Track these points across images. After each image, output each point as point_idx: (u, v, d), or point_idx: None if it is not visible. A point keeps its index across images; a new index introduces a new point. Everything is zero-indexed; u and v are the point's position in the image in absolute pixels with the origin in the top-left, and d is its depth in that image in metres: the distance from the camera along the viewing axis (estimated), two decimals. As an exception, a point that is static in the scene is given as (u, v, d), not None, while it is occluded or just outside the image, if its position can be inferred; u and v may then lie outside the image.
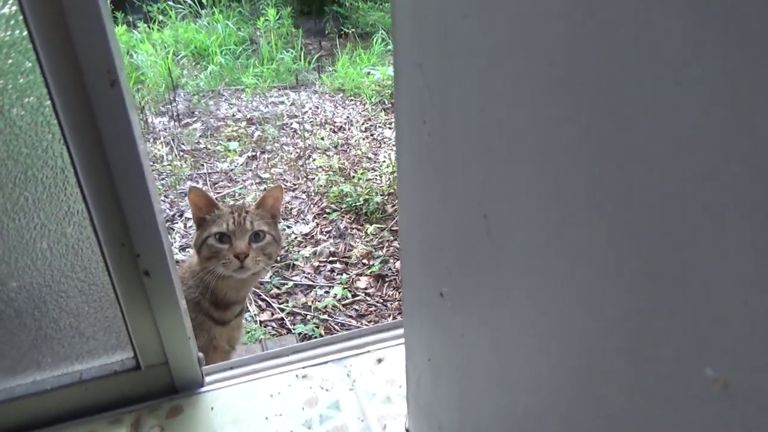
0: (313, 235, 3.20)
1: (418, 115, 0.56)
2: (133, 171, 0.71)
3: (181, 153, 3.95)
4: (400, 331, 1.02)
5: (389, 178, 3.55)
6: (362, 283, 2.86)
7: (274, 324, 2.64)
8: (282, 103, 4.67)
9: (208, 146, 4.08)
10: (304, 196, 3.52)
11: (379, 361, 0.95)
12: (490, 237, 0.47)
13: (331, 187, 3.48)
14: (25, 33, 0.62)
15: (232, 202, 3.26)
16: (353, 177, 3.58)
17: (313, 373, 0.92)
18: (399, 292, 2.80)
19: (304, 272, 2.92)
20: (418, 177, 0.61)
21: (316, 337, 2.35)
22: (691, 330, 0.29)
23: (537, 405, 0.47)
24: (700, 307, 0.28)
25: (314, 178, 3.64)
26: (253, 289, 2.69)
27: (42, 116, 0.67)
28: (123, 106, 0.67)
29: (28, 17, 0.61)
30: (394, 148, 0.66)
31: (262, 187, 3.56)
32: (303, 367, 0.94)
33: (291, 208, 3.41)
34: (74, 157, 0.69)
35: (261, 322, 2.64)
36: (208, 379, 0.92)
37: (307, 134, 4.21)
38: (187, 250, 2.84)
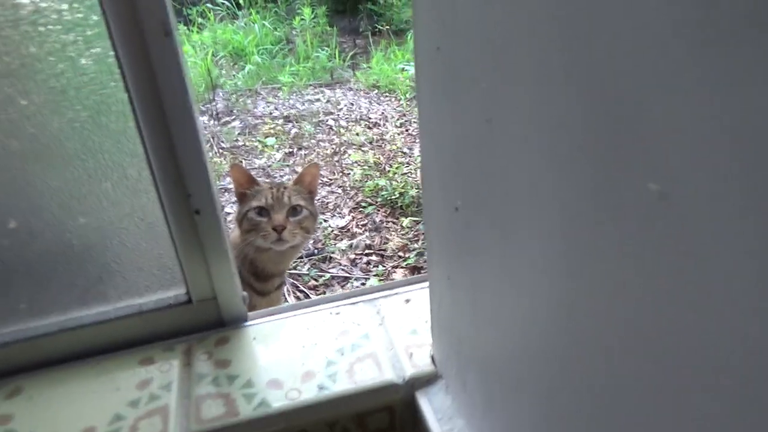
0: (349, 229, 3.27)
1: (433, 43, 0.64)
2: (185, 116, 0.80)
3: (221, 150, 4.08)
4: (427, 283, 1.09)
5: (424, 172, 3.59)
6: (398, 275, 2.92)
7: (312, 314, 2.73)
8: (318, 100, 4.78)
9: (246, 143, 4.20)
10: (339, 190, 3.60)
11: (407, 301, 1.03)
12: (493, 137, 0.55)
13: (366, 181, 3.56)
14: (93, -9, 0.72)
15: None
16: (388, 171, 3.64)
17: (345, 311, 1.01)
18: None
19: (340, 264, 3.00)
20: (434, 99, 0.68)
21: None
22: (638, 152, 0.36)
23: (539, 299, 0.54)
24: (647, 135, 0.35)
25: (350, 173, 3.71)
26: (292, 281, 2.79)
27: (106, 65, 0.77)
28: (176, 55, 0.76)
29: (96, -24, 0.71)
30: (414, 77, 0.72)
31: (298, 182, 3.66)
32: (336, 306, 1.02)
33: (327, 203, 3.48)
34: (134, 102, 0.78)
35: (299, 314, 2.72)
36: (251, 321, 1.01)
37: (342, 130, 4.30)
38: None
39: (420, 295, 1.04)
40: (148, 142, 0.82)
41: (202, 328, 0.97)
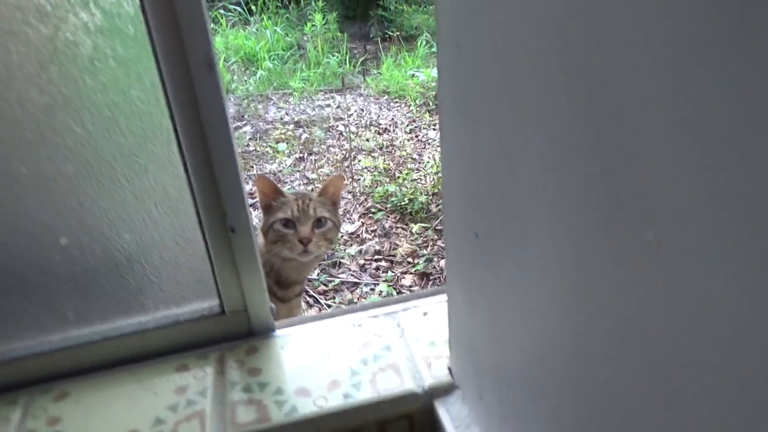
0: (358, 234, 3.32)
1: (455, 81, 0.71)
2: (224, 141, 0.87)
3: (233, 154, 4.12)
4: (443, 296, 1.16)
5: (433, 179, 3.64)
6: (407, 280, 2.96)
7: (321, 318, 2.78)
8: (328, 106, 4.83)
9: (258, 148, 4.25)
10: (349, 196, 3.64)
11: (425, 314, 1.09)
12: (510, 169, 0.61)
13: (376, 187, 3.59)
14: (144, 28, 0.79)
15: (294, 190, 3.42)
16: (398, 177, 3.68)
17: (367, 323, 1.07)
18: (443, 290, 2.89)
19: (350, 270, 3.05)
20: (456, 134, 0.74)
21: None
22: (641, 206, 0.42)
23: (551, 318, 0.60)
24: (646, 188, 0.41)
25: (360, 179, 3.75)
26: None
27: (154, 96, 0.84)
28: (218, 87, 0.83)
29: (148, 15, 0.77)
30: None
31: (309, 188, 3.71)
32: (358, 318, 1.08)
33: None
34: (179, 130, 0.85)
35: (309, 317, 2.77)
36: (278, 331, 1.07)
37: (352, 136, 4.34)
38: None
39: (437, 308, 1.10)
40: (189, 166, 0.88)
41: (234, 337, 1.03)
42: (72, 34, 0.77)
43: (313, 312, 2.83)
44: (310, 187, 3.72)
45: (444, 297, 1.13)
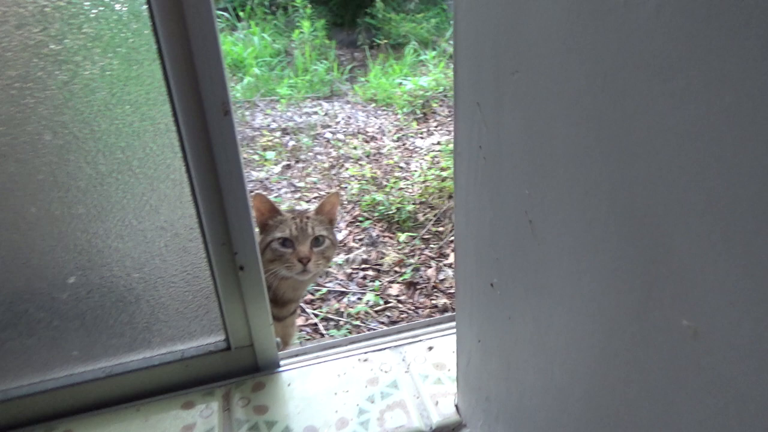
0: (345, 243, 3.30)
1: (475, 142, 0.71)
2: (236, 184, 0.87)
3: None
4: (447, 324, 1.17)
5: (421, 188, 3.64)
6: (394, 290, 2.95)
7: (308, 329, 2.76)
8: (316, 113, 4.81)
9: (245, 155, 4.20)
10: (337, 204, 3.62)
11: (430, 348, 1.10)
12: (534, 236, 0.62)
13: (363, 195, 3.57)
14: (161, 73, 0.79)
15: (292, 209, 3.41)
16: (385, 186, 3.67)
17: (373, 358, 1.07)
18: (430, 299, 2.90)
19: (337, 279, 3.02)
20: (472, 190, 0.75)
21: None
22: (674, 293, 0.43)
23: (568, 366, 0.61)
24: (679, 277, 0.42)
25: (347, 187, 3.74)
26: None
27: (168, 139, 0.83)
28: (232, 132, 0.83)
29: (165, 61, 0.77)
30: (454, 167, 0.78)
31: (297, 196, 3.70)
32: (364, 353, 1.09)
33: (324, 217, 3.51)
34: (192, 172, 0.85)
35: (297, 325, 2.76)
36: (282, 362, 1.07)
37: (340, 144, 4.33)
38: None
39: (441, 342, 1.11)
40: (201, 207, 0.88)
41: (239, 373, 1.03)
42: (89, 80, 0.77)
43: (299, 321, 2.82)
44: (297, 195, 3.70)
45: (446, 330, 1.15)
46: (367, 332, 1.17)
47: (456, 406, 0.98)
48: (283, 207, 3.54)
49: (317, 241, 1.56)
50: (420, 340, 1.12)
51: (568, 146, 0.53)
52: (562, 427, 0.66)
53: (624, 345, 0.50)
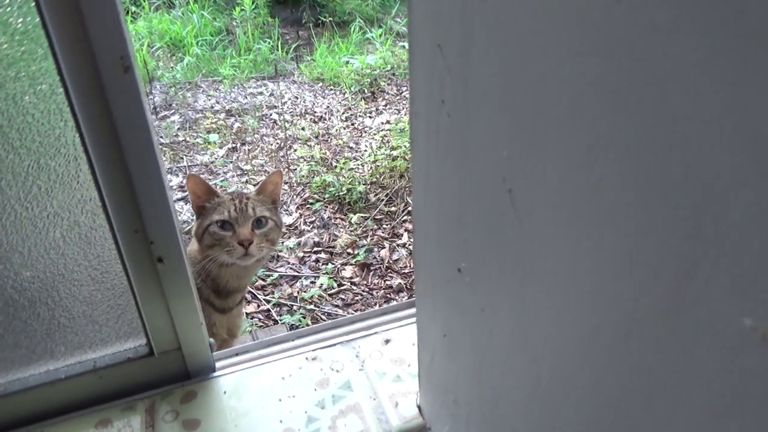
0: (296, 226, 3.20)
1: (436, 96, 0.58)
2: (147, 158, 0.71)
3: (160, 146, 3.91)
4: (405, 312, 1.04)
5: (371, 167, 3.56)
6: (347, 272, 2.88)
7: (260, 315, 2.65)
8: (261, 93, 4.64)
9: (187, 139, 4.04)
10: (286, 186, 3.52)
11: (387, 341, 0.97)
12: (515, 209, 0.49)
13: (313, 177, 3.49)
14: (38, 19, 0.62)
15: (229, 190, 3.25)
16: (335, 167, 3.59)
17: (323, 355, 0.94)
18: (384, 280, 2.83)
19: (289, 263, 2.93)
20: (434, 156, 0.62)
21: (303, 327, 2.38)
22: (730, 282, 0.30)
23: (560, 370, 0.49)
24: (737, 261, 0.30)
25: (296, 169, 3.63)
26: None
27: (54, 104, 0.67)
28: (137, 92, 0.67)
29: (41, 3, 0.61)
30: (411, 139, 0.65)
31: (243, 179, 3.55)
32: (313, 350, 0.95)
33: (273, 199, 3.40)
34: (88, 144, 0.69)
35: (248, 314, 2.65)
36: (218, 364, 0.93)
37: (287, 125, 4.20)
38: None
39: (399, 334, 0.98)
40: (104, 187, 0.72)
41: (166, 381, 0.88)
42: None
43: (251, 308, 2.71)
44: (244, 179, 3.55)
45: (404, 319, 1.02)
46: (315, 325, 1.03)
47: (418, 406, 0.85)
48: (229, 191, 3.39)
49: (259, 222, 1.43)
50: (375, 332, 0.98)
51: (565, 87, 0.40)
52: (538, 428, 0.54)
53: (644, 348, 0.38)
